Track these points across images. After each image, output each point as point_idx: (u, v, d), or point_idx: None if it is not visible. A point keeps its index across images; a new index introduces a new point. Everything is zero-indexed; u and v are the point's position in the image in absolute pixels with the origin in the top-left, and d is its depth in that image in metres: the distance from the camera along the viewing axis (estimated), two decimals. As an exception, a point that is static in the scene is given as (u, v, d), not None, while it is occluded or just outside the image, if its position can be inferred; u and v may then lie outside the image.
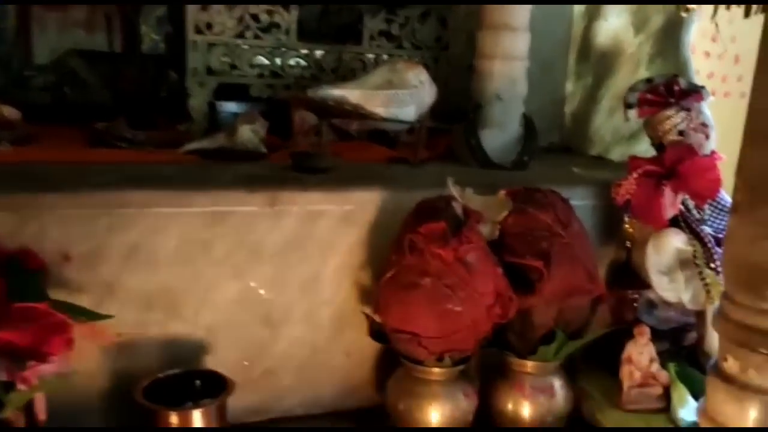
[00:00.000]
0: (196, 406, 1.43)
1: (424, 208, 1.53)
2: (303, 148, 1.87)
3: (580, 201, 1.82)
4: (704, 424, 1.23)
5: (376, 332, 1.57)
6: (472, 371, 1.62)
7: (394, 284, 1.48)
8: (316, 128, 1.89)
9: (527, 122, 2.08)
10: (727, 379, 1.19)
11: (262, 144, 1.86)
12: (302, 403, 1.68)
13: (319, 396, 1.69)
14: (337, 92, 1.77)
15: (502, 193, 1.66)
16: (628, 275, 1.80)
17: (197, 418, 1.39)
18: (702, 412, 1.25)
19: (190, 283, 1.54)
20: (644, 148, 2.16)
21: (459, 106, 2.17)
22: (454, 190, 1.56)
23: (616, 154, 2.29)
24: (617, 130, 2.29)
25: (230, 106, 2.09)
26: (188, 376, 1.50)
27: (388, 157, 2.01)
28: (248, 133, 1.81)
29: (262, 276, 1.59)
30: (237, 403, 1.59)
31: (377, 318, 1.54)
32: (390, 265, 1.51)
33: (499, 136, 2.05)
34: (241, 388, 1.58)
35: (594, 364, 1.76)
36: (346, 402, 1.71)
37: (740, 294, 1.17)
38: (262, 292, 1.60)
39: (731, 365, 1.19)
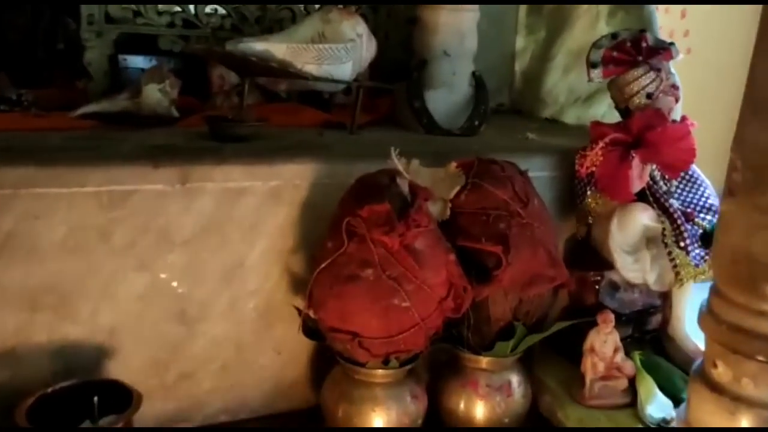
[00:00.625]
0: (94, 425, 1.19)
1: (364, 186, 1.30)
2: (222, 112, 1.61)
3: (538, 172, 1.63)
4: (687, 437, 1.08)
5: (310, 329, 1.35)
6: (420, 368, 1.44)
7: (331, 276, 1.27)
8: (237, 88, 1.63)
9: (478, 82, 1.87)
10: (716, 388, 1.04)
11: (173, 107, 1.59)
12: (227, 408, 1.47)
13: (246, 399, 1.48)
14: (260, 46, 1.52)
15: (452, 165, 1.45)
16: (589, 254, 1.63)
17: (96, 440, 1.16)
18: (684, 423, 1.09)
19: (84, 278, 1.29)
20: (602, 110, 1.99)
21: (402, 63, 1.93)
22: (398, 162, 1.34)
23: (571, 117, 2.12)
24: (573, 91, 2.11)
25: (136, 61, 1.80)
26: (85, 389, 1.25)
27: (322, 121, 1.77)
28: (156, 94, 1.53)
29: (174, 266, 1.35)
30: (148, 412, 1.36)
31: (311, 314, 1.32)
32: (325, 253, 1.29)
33: (446, 97, 1.83)
34: (152, 397, 1.37)
35: (552, 352, 1.60)
36: (277, 404, 1.51)
37: (735, 291, 1.01)
38: (174, 284, 1.36)
39: (722, 373, 1.03)
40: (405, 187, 1.31)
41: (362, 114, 1.81)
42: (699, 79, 2.49)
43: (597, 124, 1.59)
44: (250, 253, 1.40)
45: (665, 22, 2.94)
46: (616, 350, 1.50)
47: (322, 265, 1.28)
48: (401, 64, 1.96)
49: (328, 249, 1.29)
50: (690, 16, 3.49)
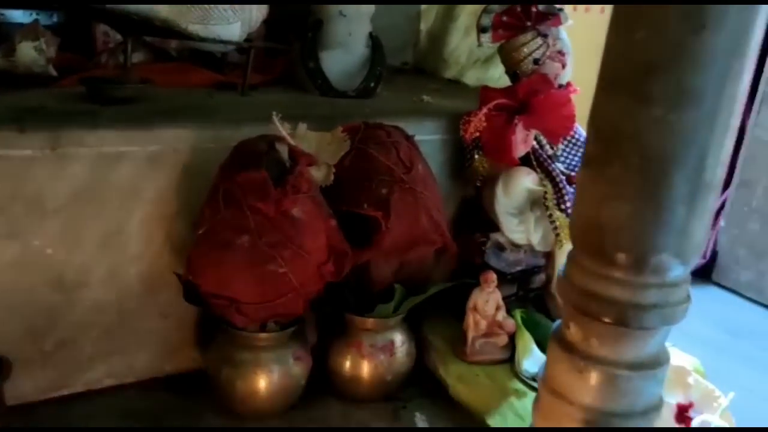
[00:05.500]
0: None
1: (242, 152, 1.29)
2: (107, 71, 1.56)
3: (431, 135, 1.66)
4: (545, 393, 1.14)
5: (193, 295, 1.35)
6: (308, 330, 1.46)
7: (208, 242, 1.26)
8: (122, 46, 1.57)
9: (375, 43, 1.85)
10: (569, 347, 1.09)
11: (51, 66, 1.52)
12: (111, 372, 1.45)
13: (132, 363, 1.47)
14: (142, 7, 1.45)
15: (339, 129, 1.44)
16: (478, 216, 1.68)
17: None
18: (542, 381, 1.15)
19: (-52, 247, 1.25)
20: (499, 73, 2.01)
21: (299, 22, 1.90)
22: (280, 127, 1.33)
23: (472, 78, 2.14)
24: (473, 52, 2.12)
25: (15, 15, 1.70)
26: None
27: (213, 81, 1.72)
28: (30, 53, 1.46)
29: (48, 233, 1.31)
30: (26, 380, 1.36)
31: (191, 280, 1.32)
32: (203, 219, 1.28)
33: (342, 58, 1.81)
34: (29, 365, 1.36)
35: (440, 312, 1.65)
36: (164, 367, 1.50)
37: (587, 258, 1.05)
38: (49, 251, 1.32)
39: (574, 333, 1.09)
40: (284, 153, 1.30)
41: (257, 75, 1.78)
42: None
43: (486, 88, 1.61)
44: (130, 219, 1.37)
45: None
46: (497, 308, 1.56)
47: (200, 231, 1.27)
48: (302, 24, 1.92)
49: (205, 216, 1.28)
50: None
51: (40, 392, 1.39)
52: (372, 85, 1.80)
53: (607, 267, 1.02)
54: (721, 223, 3.03)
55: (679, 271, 1.02)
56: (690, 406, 1.35)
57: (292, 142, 1.31)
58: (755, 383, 2.21)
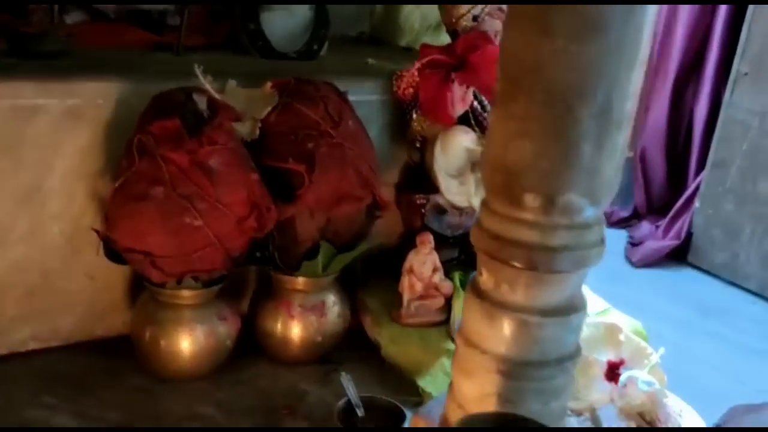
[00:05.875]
0: None
1: (158, 102, 1.26)
2: (37, 30, 1.52)
3: (371, 95, 1.63)
4: (460, 345, 1.11)
5: (112, 252, 1.32)
6: (240, 291, 1.43)
7: (123, 195, 1.23)
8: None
9: (318, 5, 1.82)
10: (481, 294, 1.06)
11: (-27, 21, 1.49)
12: (36, 335, 1.43)
13: (58, 326, 1.44)
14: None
15: (268, 85, 1.42)
16: (421, 178, 1.64)
17: None
18: (459, 332, 1.12)
19: None
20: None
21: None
22: (202, 78, 1.30)
23: (425, 45, 2.10)
24: (425, 18, 2.09)
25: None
26: None
27: (149, 42, 1.69)
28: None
29: (-38, 187, 1.28)
30: (-55, 342, 1.33)
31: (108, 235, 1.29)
32: (119, 172, 1.25)
33: (285, 20, 1.78)
34: (-52, 325, 1.32)
35: (379, 274, 1.62)
36: (93, 331, 1.48)
37: (496, 201, 1.02)
38: (-36, 207, 1.29)
39: (485, 280, 1.06)
40: (202, 104, 1.27)
41: (198, 36, 1.75)
42: None
43: (424, 45, 1.58)
44: (50, 175, 1.34)
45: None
46: (435, 270, 1.53)
47: (116, 184, 1.24)
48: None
49: (122, 168, 1.25)
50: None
51: (-39, 353, 1.36)
52: (315, 47, 1.77)
53: (515, 209, 0.99)
54: (696, 203, 2.99)
55: (590, 212, 0.99)
56: (621, 363, 1.32)
57: (213, 93, 1.28)
58: (718, 359, 2.20)
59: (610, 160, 0.97)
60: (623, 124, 0.96)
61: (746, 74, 2.74)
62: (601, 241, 1.03)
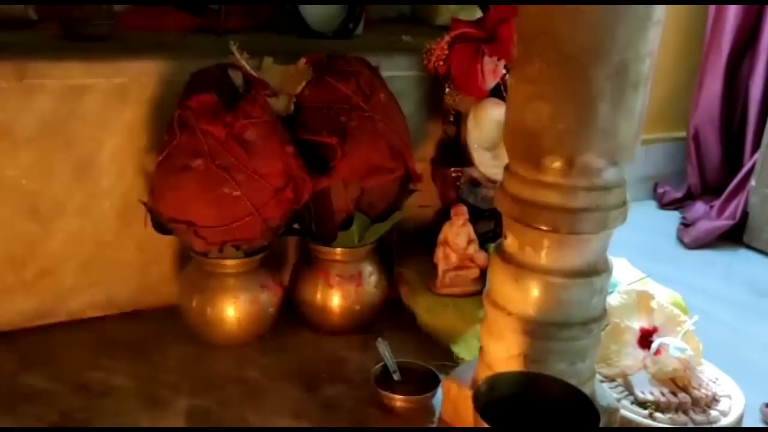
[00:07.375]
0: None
1: (196, 79, 1.32)
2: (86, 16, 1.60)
3: (406, 71, 1.66)
4: (488, 307, 1.14)
5: (159, 223, 1.39)
6: (282, 260, 1.49)
7: (166, 168, 1.30)
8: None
9: (354, -15, 1.85)
10: (506, 258, 1.09)
11: (31, 10, 1.58)
12: (93, 303, 1.52)
13: (113, 295, 1.53)
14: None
15: (302, 61, 1.46)
16: (456, 152, 1.67)
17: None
18: (485, 294, 1.14)
19: None
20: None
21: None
22: (238, 55, 1.36)
23: (463, 23, 2.11)
24: (463, -5, 2.09)
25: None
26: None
27: (192, 25, 1.75)
28: (7, -4, 1.52)
29: (21, 163, 1.37)
30: (9, 308, 1.43)
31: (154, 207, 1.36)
32: (162, 146, 1.32)
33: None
34: (12, 293, 1.43)
35: (417, 246, 1.65)
36: (145, 300, 1.56)
37: (518, 165, 1.05)
38: (24, 182, 1.39)
39: (510, 243, 1.08)
40: (238, 80, 1.33)
41: (240, 19, 1.80)
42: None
43: (455, 20, 1.60)
44: (100, 151, 1.42)
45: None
46: (469, 242, 1.55)
47: (159, 158, 1.31)
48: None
49: (164, 142, 1.31)
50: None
51: (25, 320, 1.46)
52: (351, 26, 1.80)
53: (536, 172, 1.01)
54: (752, 182, 2.91)
55: (610, 174, 1.00)
56: (654, 330, 1.33)
57: (248, 68, 1.34)
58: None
59: (627, 120, 0.98)
60: (640, 85, 0.97)
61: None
62: (623, 203, 1.03)
